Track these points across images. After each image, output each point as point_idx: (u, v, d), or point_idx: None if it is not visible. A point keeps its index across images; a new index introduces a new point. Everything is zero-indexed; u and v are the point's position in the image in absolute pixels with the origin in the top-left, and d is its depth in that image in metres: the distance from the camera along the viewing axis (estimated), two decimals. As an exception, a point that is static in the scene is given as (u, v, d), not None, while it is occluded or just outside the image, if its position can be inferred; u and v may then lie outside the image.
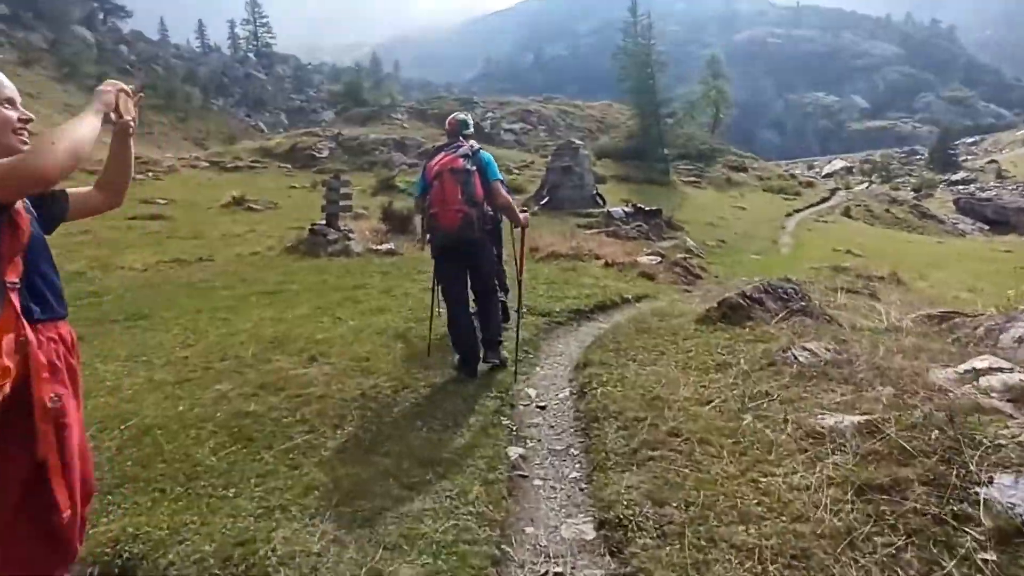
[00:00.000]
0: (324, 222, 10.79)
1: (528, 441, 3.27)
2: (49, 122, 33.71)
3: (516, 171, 27.47)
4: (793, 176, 40.31)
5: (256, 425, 3.21)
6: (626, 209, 16.12)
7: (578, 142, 18.18)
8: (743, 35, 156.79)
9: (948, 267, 16.66)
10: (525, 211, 4.76)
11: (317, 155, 27.78)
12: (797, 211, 28.73)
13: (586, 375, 3.97)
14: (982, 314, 4.26)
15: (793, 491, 2.33)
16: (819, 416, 2.84)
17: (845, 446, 2.55)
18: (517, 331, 4.67)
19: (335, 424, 3.25)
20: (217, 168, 26.01)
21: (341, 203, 10.86)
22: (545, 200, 17.18)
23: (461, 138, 4.27)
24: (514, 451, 3.05)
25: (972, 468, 2.21)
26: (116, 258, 9.47)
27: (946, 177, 51.93)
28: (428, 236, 4.11)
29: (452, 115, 4.57)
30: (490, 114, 36.67)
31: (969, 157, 62.92)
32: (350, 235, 10.75)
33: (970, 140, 73.11)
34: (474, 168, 3.96)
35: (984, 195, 39.19)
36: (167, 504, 2.50)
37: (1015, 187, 42.46)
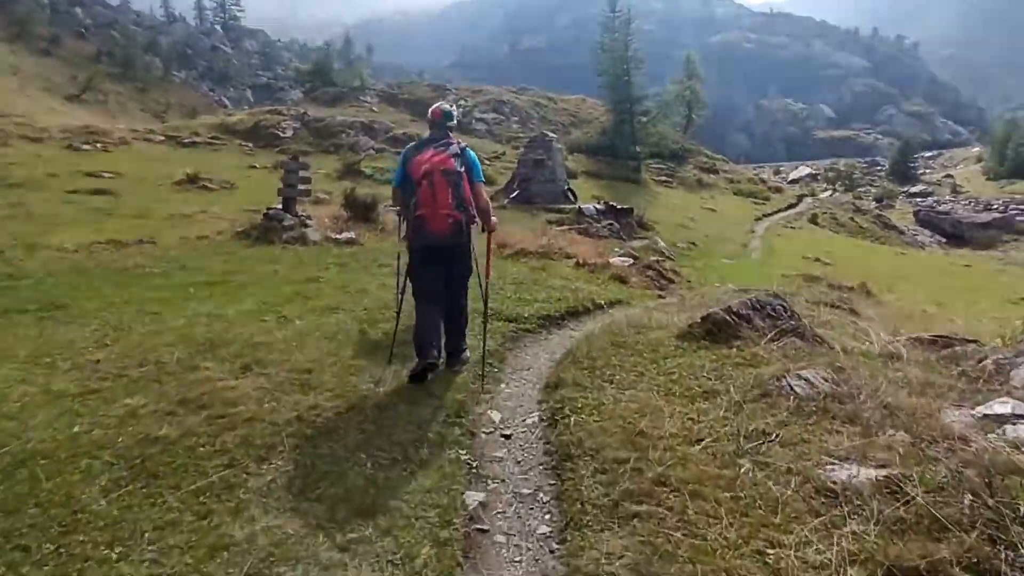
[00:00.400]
0: (280, 207, 10.10)
1: (490, 482, 2.80)
2: None
3: (488, 162, 26.87)
4: (763, 180, 40.75)
5: (165, 455, 2.67)
6: (598, 206, 15.77)
7: (551, 135, 17.73)
8: (717, 38, 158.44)
9: (913, 280, 16.84)
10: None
11: (281, 135, 26.66)
12: (766, 215, 28.95)
13: (557, 398, 3.53)
14: (985, 345, 3.98)
15: (809, 570, 1.93)
16: (828, 467, 2.46)
17: (864, 509, 2.17)
18: (484, 341, 4.21)
19: (261, 456, 2.73)
20: (173, 143, 24.70)
21: (299, 187, 10.18)
22: (515, 193, 16.70)
23: (446, 131, 4.02)
24: (473, 497, 2.58)
25: (1022, 550, 1.84)
26: (45, 236, 8.61)
27: (905, 189, 53.41)
28: (409, 235, 3.90)
29: (436, 105, 4.23)
30: (463, 102, 35.87)
31: (927, 171, 64.93)
32: (307, 221, 10.08)
33: (928, 154, 75.49)
34: (463, 169, 3.80)
35: (942, 208, 40.34)
36: (26, 570, 1.96)
37: (968, 202, 43.89)
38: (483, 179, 4.09)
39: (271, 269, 7.26)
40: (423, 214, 3.70)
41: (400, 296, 4.26)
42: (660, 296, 8.35)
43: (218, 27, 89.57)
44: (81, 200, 12.68)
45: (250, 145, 25.97)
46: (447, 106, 4.21)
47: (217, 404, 3.17)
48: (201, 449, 2.73)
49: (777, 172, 65.03)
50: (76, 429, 2.86)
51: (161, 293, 5.85)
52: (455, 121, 4.22)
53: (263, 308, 5.35)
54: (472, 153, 3.96)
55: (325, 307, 5.50)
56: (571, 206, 16.18)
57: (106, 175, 16.55)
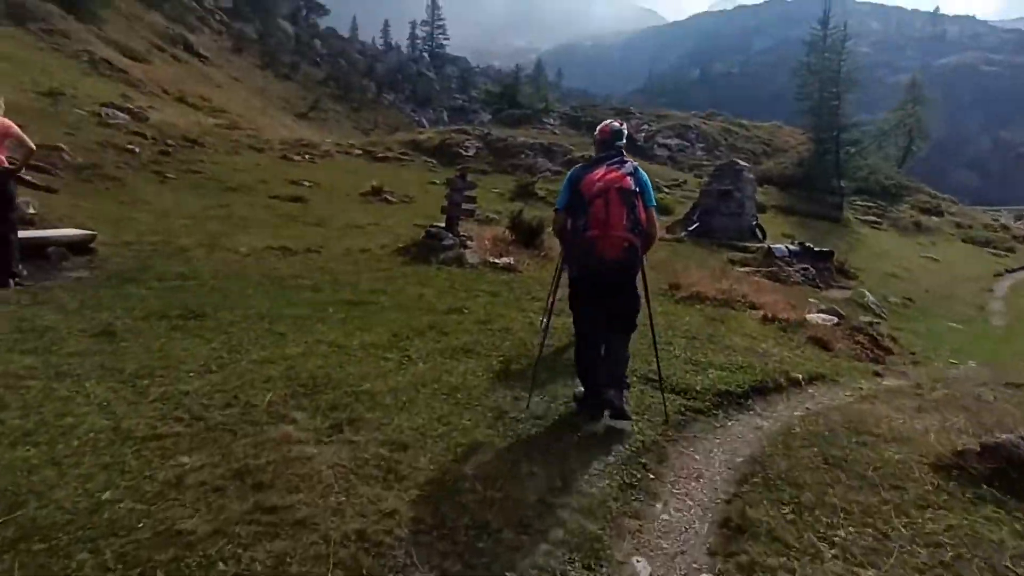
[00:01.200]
0: (444, 225, 9.81)
1: None
2: (247, 105, 36.84)
3: (666, 189, 25.31)
4: (1005, 227, 33.66)
5: (172, 566, 1.96)
6: (791, 246, 13.59)
7: (742, 163, 15.82)
8: (948, 60, 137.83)
9: None
10: None
11: (463, 153, 27.59)
12: (1010, 271, 23.51)
13: (743, 561, 2.29)
14: None
15: None
16: None
17: None
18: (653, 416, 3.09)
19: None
20: (369, 157, 26.67)
21: (463, 205, 9.81)
22: (694, 226, 15.09)
23: (620, 152, 3.71)
24: None
25: None
26: (231, 238, 9.11)
27: None
28: (573, 260, 3.60)
29: (605, 123, 3.94)
30: (645, 126, 34.55)
31: None
32: (468, 243, 9.65)
33: None
34: (638, 189, 3.49)
35: None
36: None
37: None
38: (655, 204, 3.69)
39: (417, 292, 6.79)
40: (594, 235, 3.35)
41: (546, 323, 4.38)
42: (877, 374, 6.44)
43: (425, 54, 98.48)
44: (277, 205, 13.72)
45: (434, 161, 27.20)
46: (616, 124, 3.87)
47: (278, 485, 2.46)
48: (221, 566, 1.98)
49: (1020, 217, 53.88)
50: (105, 496, 2.30)
51: (300, 310, 5.56)
52: (624, 140, 3.81)
53: (391, 342, 4.74)
54: (644, 174, 3.61)
55: (458, 348, 4.76)
56: (758, 245, 14.18)
57: (306, 183, 18.03)
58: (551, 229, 4.86)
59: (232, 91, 44.33)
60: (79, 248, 6.83)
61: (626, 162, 3.58)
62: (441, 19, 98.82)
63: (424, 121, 66.15)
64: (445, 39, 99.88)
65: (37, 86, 20.45)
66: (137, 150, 16.25)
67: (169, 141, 18.81)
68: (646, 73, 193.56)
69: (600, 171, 3.48)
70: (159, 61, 38.69)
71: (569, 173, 3.71)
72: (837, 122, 27.74)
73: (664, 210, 21.70)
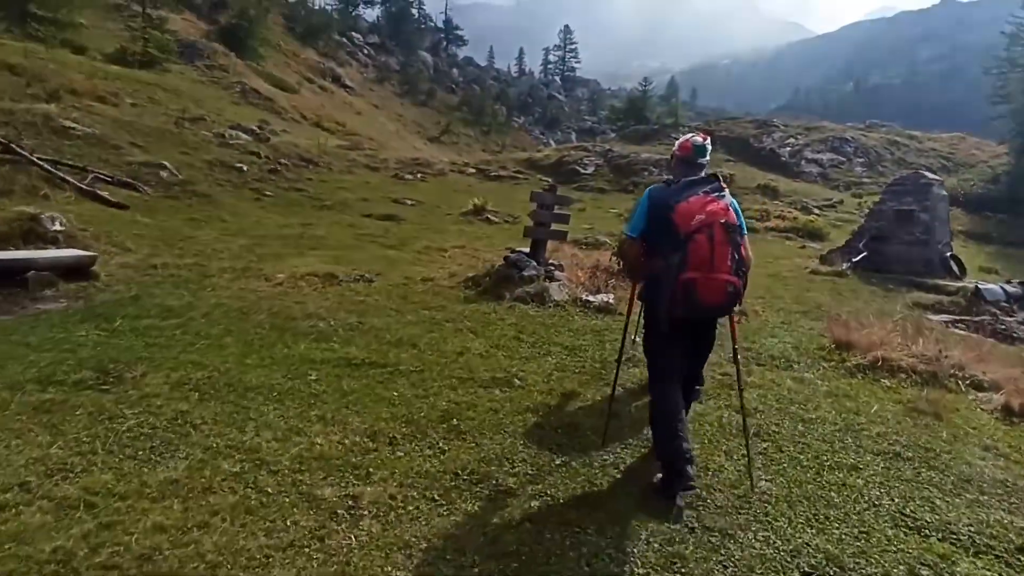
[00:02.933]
0: (528, 250, 7.85)
1: None
2: (381, 129, 38.03)
3: (817, 211, 21.56)
4: None
5: None
6: (1010, 287, 9.95)
7: (931, 175, 12.17)
8: None
9: None
10: None
11: (581, 170, 25.60)
12: None
13: None
14: None
15: None
16: None
17: None
18: None
19: None
20: (482, 175, 25.59)
21: (552, 225, 7.79)
22: (860, 256, 11.81)
23: (713, 179, 3.07)
24: None
25: None
26: (275, 263, 7.76)
27: None
28: (662, 303, 2.91)
29: (686, 137, 3.22)
30: (791, 139, 30.38)
31: None
32: (557, 273, 7.59)
33: None
34: (740, 224, 2.96)
35: None
36: None
37: None
38: (746, 231, 3.06)
39: (460, 346, 4.85)
40: (694, 279, 2.79)
41: (611, 396, 3.50)
42: None
43: (556, 78, 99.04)
44: (364, 224, 12.58)
45: (550, 180, 25.47)
46: (699, 139, 3.17)
47: None
48: None
49: None
50: None
51: (263, 374, 3.83)
52: (708, 158, 3.15)
53: (352, 452, 2.82)
54: (735, 200, 3.02)
55: (465, 475, 2.72)
56: (956, 284, 10.64)
57: (408, 202, 17.05)
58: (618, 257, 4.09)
59: (370, 117, 46.22)
60: (77, 272, 5.70)
61: (724, 189, 3.01)
62: (573, 43, 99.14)
63: (552, 142, 65.51)
64: (576, 62, 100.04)
65: (185, 113, 21.69)
66: (245, 168, 16.11)
67: (283, 160, 18.77)
68: (790, 91, 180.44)
69: (698, 199, 2.89)
70: (306, 91, 41.05)
71: (649, 193, 3.11)
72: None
73: (815, 234, 18.18)
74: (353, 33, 63.82)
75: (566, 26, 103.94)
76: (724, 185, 3.05)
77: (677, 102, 39.17)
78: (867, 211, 23.37)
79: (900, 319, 7.91)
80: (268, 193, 14.75)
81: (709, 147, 3.18)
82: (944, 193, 12.23)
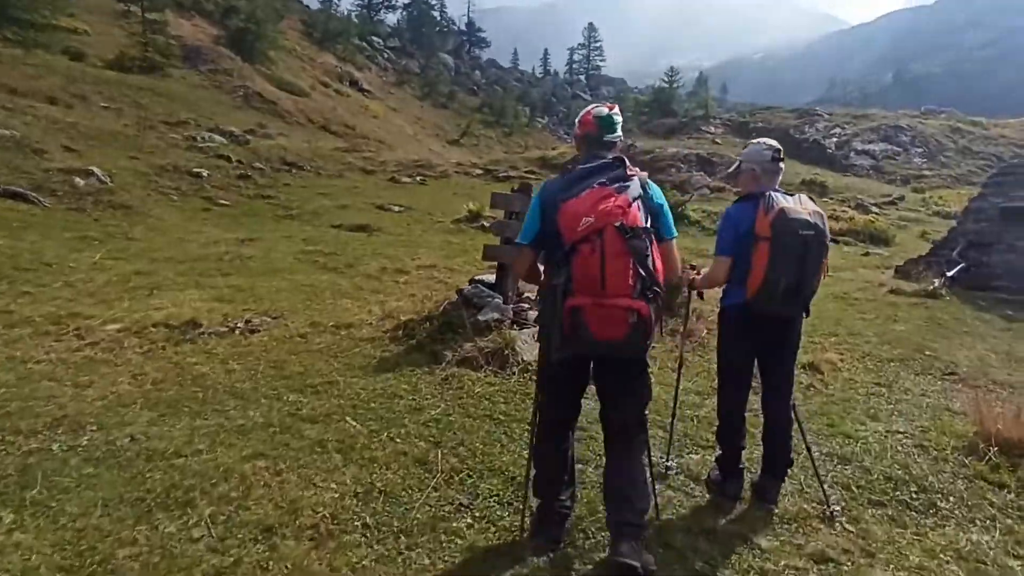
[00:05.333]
0: (493, 279, 5.39)
1: None
2: (399, 133, 36.15)
3: (876, 209, 18.53)
4: None
5: None
6: None
7: None
8: None
9: None
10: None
11: (600, 169, 23.00)
12: None
13: None
14: None
15: None
16: None
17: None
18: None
19: None
20: (489, 176, 23.19)
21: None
22: (957, 268, 8.99)
23: (623, 161, 2.24)
24: None
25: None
26: (132, 304, 5.43)
27: None
28: (548, 335, 2.28)
29: (588, 109, 2.47)
30: (837, 129, 27.18)
31: None
32: (527, 312, 5.08)
33: None
34: (650, 222, 2.19)
35: None
36: None
37: None
38: (675, 233, 2.36)
39: (291, 497, 2.42)
40: (581, 305, 2.08)
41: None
42: None
43: (581, 77, 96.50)
44: (322, 239, 10.27)
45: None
46: (606, 109, 2.41)
47: None
48: None
49: None
50: None
51: None
52: (619, 134, 2.41)
53: None
54: (657, 189, 2.32)
55: None
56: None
57: (395, 208, 14.85)
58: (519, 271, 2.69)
59: (386, 120, 44.32)
60: None
61: (630, 177, 2.18)
62: (597, 41, 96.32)
63: (574, 142, 63.12)
64: (601, 60, 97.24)
65: (170, 117, 19.99)
66: (206, 173, 14.04)
67: (258, 164, 16.71)
68: (825, 84, 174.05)
69: (590, 194, 2.10)
70: (319, 95, 39.30)
71: (543, 187, 2.34)
72: None
73: (876, 238, 15.24)
74: (373, 37, 62.37)
75: (590, 24, 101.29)
76: (632, 171, 2.23)
77: (707, 94, 36.09)
78: (932, 207, 20.23)
79: (1011, 355, 5.21)
80: (223, 202, 12.59)
81: (619, 119, 2.42)
82: (1069, 184, 9.31)
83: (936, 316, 7.60)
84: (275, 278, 7.09)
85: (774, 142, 2.88)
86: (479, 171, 23.60)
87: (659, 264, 2.17)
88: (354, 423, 3.27)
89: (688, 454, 3.35)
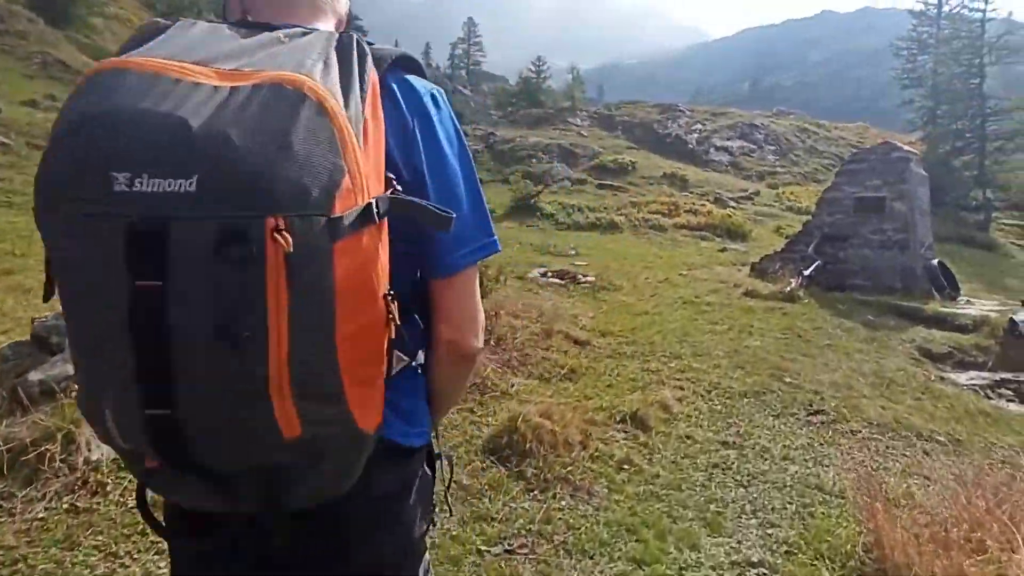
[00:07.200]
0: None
1: None
2: None
3: (733, 203, 18.10)
4: None
5: None
6: (1045, 316, 6.25)
7: (905, 148, 8.30)
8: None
9: None
10: None
11: (458, 160, 21.06)
12: None
13: None
14: None
15: None
16: None
17: None
18: None
19: None
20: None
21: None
22: (813, 267, 7.91)
23: None
24: None
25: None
26: None
27: None
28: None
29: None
30: (698, 126, 27.30)
31: None
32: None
33: None
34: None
35: None
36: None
37: None
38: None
39: None
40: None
41: None
42: None
43: (463, 72, 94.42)
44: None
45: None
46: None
47: None
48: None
49: None
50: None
51: None
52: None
53: None
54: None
55: None
56: (962, 310, 6.88)
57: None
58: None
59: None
60: None
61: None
62: (478, 36, 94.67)
63: (455, 138, 61.19)
64: (481, 56, 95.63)
65: None
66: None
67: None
68: (691, 91, 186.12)
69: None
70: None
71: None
72: (981, 109, 19.84)
73: (734, 233, 14.56)
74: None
75: (470, 19, 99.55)
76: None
77: (576, 87, 35.40)
78: (784, 203, 20.40)
79: (881, 376, 3.82)
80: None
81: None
82: (923, 173, 8.55)
83: (795, 325, 6.29)
84: None
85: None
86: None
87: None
88: None
89: None
